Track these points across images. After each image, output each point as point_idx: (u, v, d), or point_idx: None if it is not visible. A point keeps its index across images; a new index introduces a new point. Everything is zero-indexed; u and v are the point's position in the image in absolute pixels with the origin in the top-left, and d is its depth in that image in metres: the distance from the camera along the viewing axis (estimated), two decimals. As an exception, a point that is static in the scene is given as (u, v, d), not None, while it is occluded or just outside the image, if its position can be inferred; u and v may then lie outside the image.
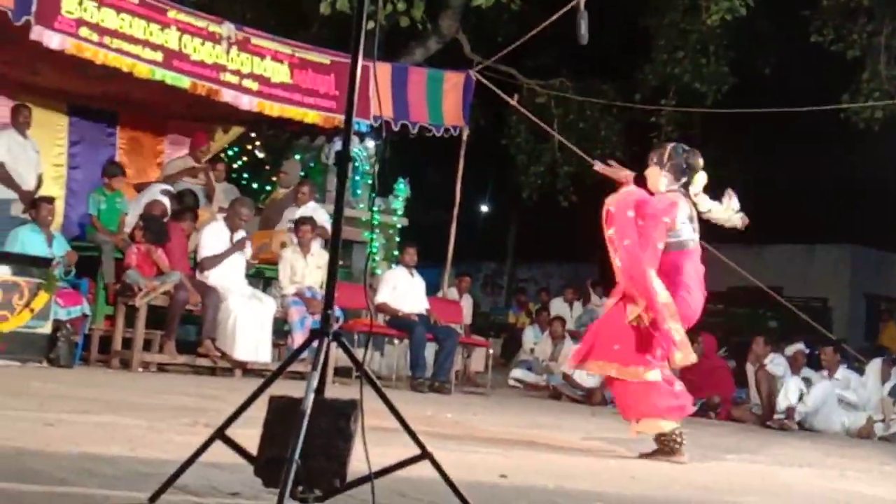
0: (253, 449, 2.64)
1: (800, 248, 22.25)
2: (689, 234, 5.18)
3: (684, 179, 5.22)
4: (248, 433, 2.68)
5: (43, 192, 8.97)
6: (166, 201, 8.97)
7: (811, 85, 13.63)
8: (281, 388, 2.72)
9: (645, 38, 14.50)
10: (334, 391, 2.99)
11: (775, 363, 10.24)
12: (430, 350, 9.84)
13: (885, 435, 9.40)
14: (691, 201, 5.24)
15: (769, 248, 21.23)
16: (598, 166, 5.29)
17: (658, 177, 5.22)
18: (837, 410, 9.80)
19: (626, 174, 5.15)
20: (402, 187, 12.56)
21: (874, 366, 10.18)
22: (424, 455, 2.66)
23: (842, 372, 10.08)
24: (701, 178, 5.25)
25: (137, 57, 8.44)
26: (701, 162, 5.29)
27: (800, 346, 10.56)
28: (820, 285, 21.61)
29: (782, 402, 9.74)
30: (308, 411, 2.39)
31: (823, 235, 21.84)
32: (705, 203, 5.27)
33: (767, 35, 14.79)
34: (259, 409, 2.66)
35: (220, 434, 2.73)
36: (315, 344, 2.75)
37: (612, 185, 5.24)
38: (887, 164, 18.35)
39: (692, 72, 13.79)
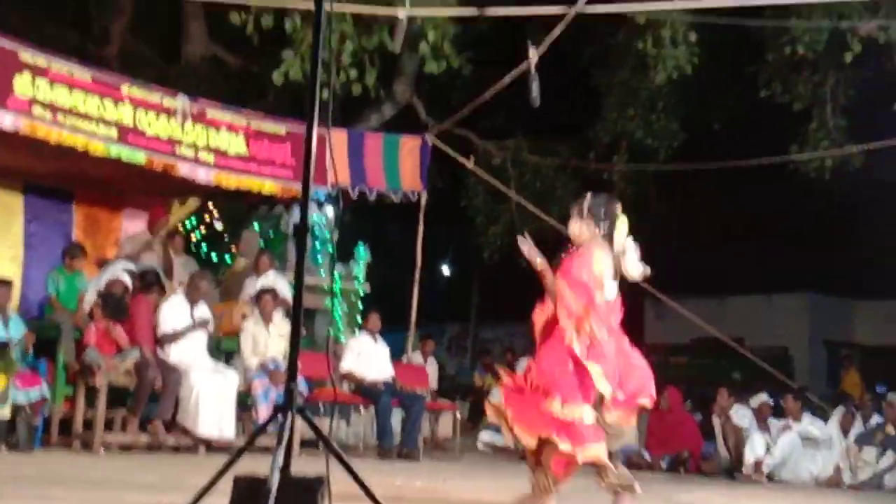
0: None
1: (759, 298, 22.46)
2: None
3: (605, 227, 5.25)
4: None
5: (-1, 272, 8.85)
6: (127, 279, 8.87)
7: (761, 137, 13.89)
8: (246, 463, 2.67)
9: (596, 97, 14.71)
10: (301, 463, 2.94)
11: (740, 414, 10.28)
12: (397, 417, 9.76)
13: (854, 483, 9.43)
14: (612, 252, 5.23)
15: (730, 299, 21.42)
16: (522, 244, 5.30)
17: (580, 226, 5.24)
18: (804, 460, 9.84)
19: (540, 260, 5.18)
20: (362, 252, 12.55)
21: (837, 413, 10.25)
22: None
23: (807, 418, 10.14)
24: (622, 225, 5.28)
25: (92, 134, 8.40)
26: (619, 208, 5.33)
27: (764, 396, 10.62)
28: (780, 334, 21.79)
29: (749, 456, 9.77)
30: (275, 489, 2.34)
31: (781, 285, 22.09)
32: (631, 253, 5.27)
33: (716, 90, 15.08)
34: (225, 486, 2.60)
35: (185, 517, 2.67)
36: (279, 419, 2.71)
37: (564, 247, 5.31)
38: (838, 212, 18.72)
39: (643, 128, 13.99)
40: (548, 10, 8.79)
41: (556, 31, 8.15)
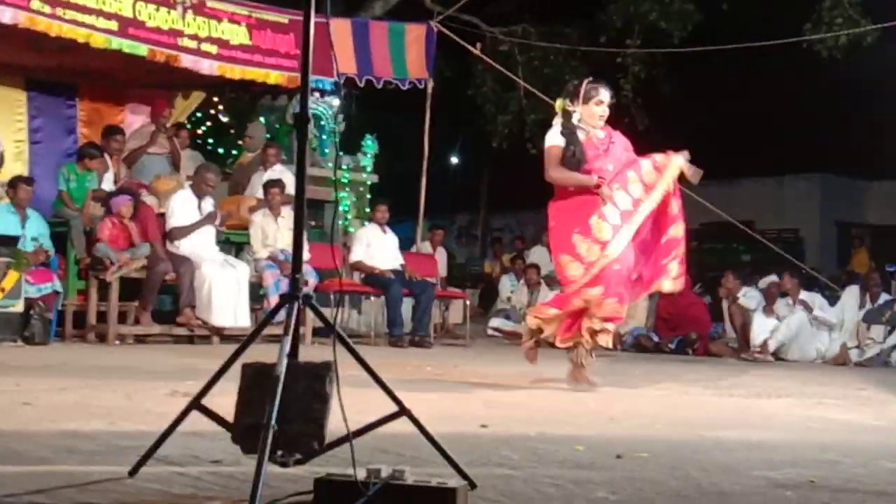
0: (232, 417, 2.63)
1: (769, 180, 22.36)
2: None
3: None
4: (228, 401, 2.67)
5: (5, 169, 8.86)
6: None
7: (774, 16, 13.60)
8: (259, 352, 2.72)
9: (608, -20, 14.42)
10: (313, 352, 2.98)
11: (748, 297, 10.35)
12: (407, 305, 9.87)
13: (861, 360, 9.54)
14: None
15: (739, 182, 21.32)
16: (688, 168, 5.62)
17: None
18: (812, 339, 9.94)
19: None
20: (370, 143, 12.50)
21: (851, 291, 10.28)
22: (402, 412, 2.67)
23: (804, 295, 10.18)
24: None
25: (92, 27, 8.31)
26: None
27: (773, 278, 10.65)
28: (791, 216, 21.78)
29: (757, 336, 9.87)
30: (282, 376, 2.38)
31: (792, 166, 21.96)
32: None
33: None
34: (237, 375, 2.65)
35: (196, 404, 2.72)
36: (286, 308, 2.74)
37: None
38: (851, 92, 18.44)
39: (657, 10, 13.69)
40: None
41: None
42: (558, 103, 5.67)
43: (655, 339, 10.57)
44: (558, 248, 5.63)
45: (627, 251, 5.51)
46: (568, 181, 5.54)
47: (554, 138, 5.58)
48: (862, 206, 23.21)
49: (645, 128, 14.40)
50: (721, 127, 19.54)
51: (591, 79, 5.72)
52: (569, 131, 5.55)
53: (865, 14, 12.67)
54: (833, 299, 10.70)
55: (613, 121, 5.81)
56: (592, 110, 5.57)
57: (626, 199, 5.52)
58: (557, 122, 5.63)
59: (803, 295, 10.14)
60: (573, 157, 5.49)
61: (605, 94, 5.60)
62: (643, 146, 6.01)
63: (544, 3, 12.23)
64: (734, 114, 19.92)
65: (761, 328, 9.94)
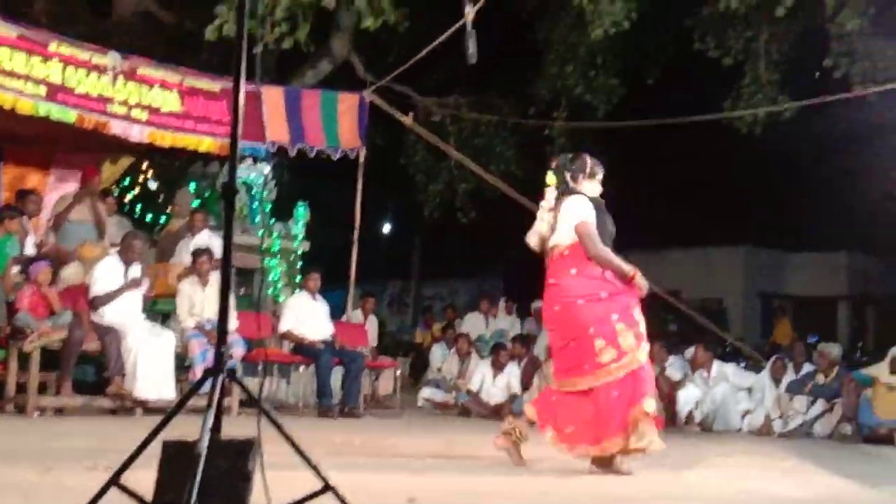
0: (151, 495, 2.57)
1: (696, 251, 22.80)
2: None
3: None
4: (149, 475, 2.61)
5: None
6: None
7: (696, 92, 14.01)
8: (184, 423, 2.66)
9: (536, 53, 14.70)
10: (239, 424, 2.93)
11: (674, 367, 10.48)
12: (337, 375, 9.78)
13: (784, 431, 9.68)
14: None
15: (666, 251, 21.70)
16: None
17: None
18: (736, 410, 10.09)
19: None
20: (301, 211, 12.46)
21: (769, 365, 10.49)
22: (327, 488, 2.63)
23: (716, 367, 10.34)
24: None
25: (20, 92, 8.23)
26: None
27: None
28: (716, 286, 22.19)
29: (683, 407, 10.00)
30: (203, 454, 2.34)
31: (718, 237, 22.46)
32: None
33: (652, 45, 15.15)
34: (158, 449, 2.59)
35: (115, 481, 2.66)
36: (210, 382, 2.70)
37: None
38: (773, 165, 19.03)
39: (583, 84, 14.02)
40: (484, -34, 8.73)
41: (492, -13, 8.09)
42: (550, 177, 5.45)
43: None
44: (595, 329, 5.14)
45: None
46: (611, 264, 5.22)
47: (588, 212, 5.26)
48: (785, 278, 23.79)
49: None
50: (648, 198, 19.96)
51: (587, 154, 5.56)
52: (596, 205, 5.32)
53: (783, 90, 13.13)
54: (757, 369, 10.89)
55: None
56: (595, 188, 5.44)
57: None
58: (552, 194, 5.42)
59: (717, 366, 10.33)
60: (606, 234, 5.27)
61: (603, 173, 5.50)
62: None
63: (476, 74, 12.43)
64: (661, 185, 20.37)
65: (687, 399, 10.08)
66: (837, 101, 10.43)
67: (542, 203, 5.45)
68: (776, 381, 10.17)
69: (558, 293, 5.27)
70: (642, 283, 5.27)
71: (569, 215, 5.26)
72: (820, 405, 9.71)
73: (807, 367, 10.16)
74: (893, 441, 8.88)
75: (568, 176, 5.41)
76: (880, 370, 9.44)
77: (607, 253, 5.22)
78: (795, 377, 10.09)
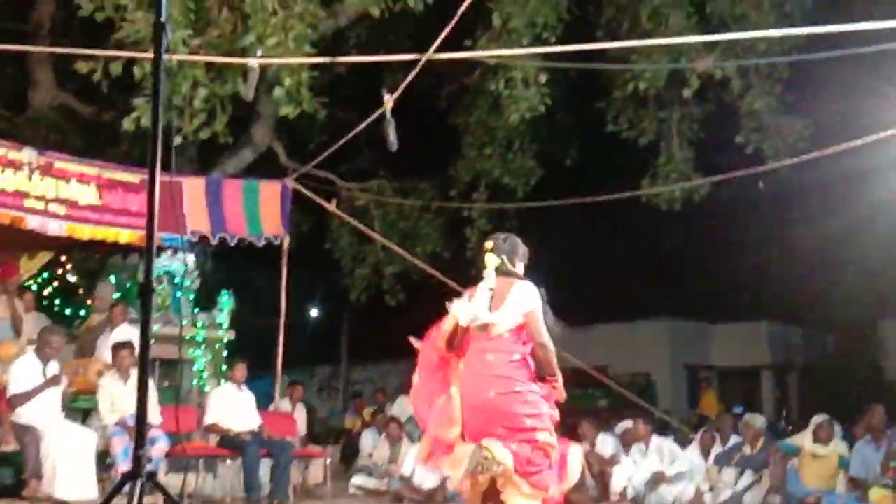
0: None
1: (622, 325, 23.03)
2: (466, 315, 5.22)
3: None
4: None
5: None
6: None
7: (613, 171, 14.37)
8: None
9: (455, 136, 14.94)
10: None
11: (605, 443, 10.51)
12: (265, 466, 9.58)
13: None
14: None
15: (593, 327, 21.91)
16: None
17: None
18: (668, 485, 10.13)
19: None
20: (226, 300, 12.33)
21: (697, 438, 10.60)
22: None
23: (655, 441, 10.42)
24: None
25: (-70, 190, 8.07)
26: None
27: (628, 423, 10.86)
28: (643, 360, 22.41)
29: (615, 483, 10.02)
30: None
31: (642, 312, 22.77)
32: None
33: (568, 128, 15.54)
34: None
35: None
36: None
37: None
38: (691, 240, 19.49)
39: (501, 166, 14.26)
40: (399, 58, 8.93)
41: (409, 78, 8.26)
42: (492, 259, 5.32)
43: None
44: (532, 422, 5.06)
45: None
46: (551, 361, 5.13)
47: (539, 302, 5.16)
48: (709, 349, 24.18)
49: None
50: (573, 275, 20.22)
51: (516, 237, 5.51)
52: (543, 297, 5.22)
53: (697, 166, 13.53)
54: (685, 442, 10.99)
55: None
56: (523, 270, 5.40)
57: None
58: (492, 274, 5.27)
59: (655, 440, 10.38)
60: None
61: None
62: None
63: (399, 159, 12.57)
64: (585, 262, 20.66)
65: (621, 475, 10.10)
66: (752, 176, 10.73)
67: (482, 284, 5.26)
68: (705, 453, 10.26)
69: (493, 377, 5.08)
70: (562, 391, 5.20)
71: (522, 299, 5.16)
72: (748, 476, 9.81)
73: (734, 439, 10.28)
74: (820, 509, 9.01)
75: (505, 258, 5.34)
76: (805, 439, 9.61)
77: (552, 346, 5.13)
78: (723, 449, 10.20)
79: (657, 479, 9.89)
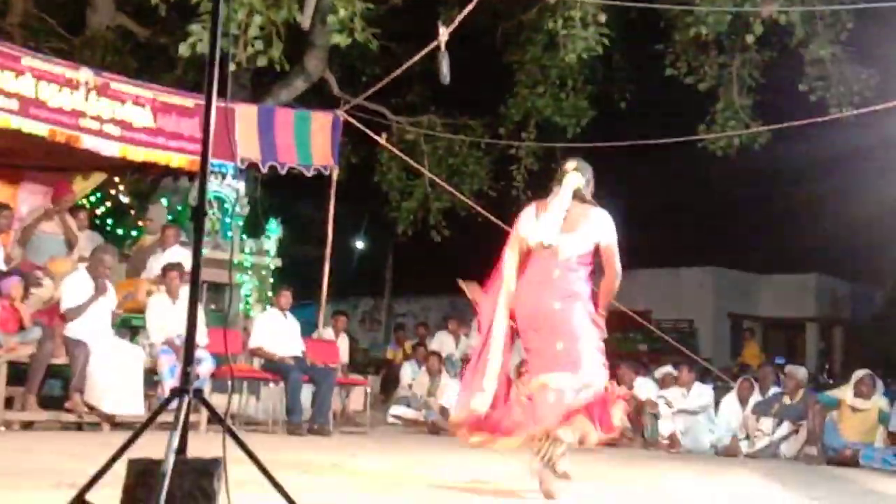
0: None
1: (666, 271, 22.94)
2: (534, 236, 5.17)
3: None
4: (115, 493, 2.62)
5: None
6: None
7: (668, 115, 14.16)
8: (151, 441, 2.68)
9: (508, 74, 14.82)
10: (208, 439, 2.94)
11: (644, 387, 10.56)
12: (307, 392, 9.77)
13: (751, 452, 9.78)
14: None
15: (638, 272, 21.79)
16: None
17: None
18: (705, 431, 10.18)
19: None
20: (273, 228, 12.47)
21: (737, 385, 10.60)
22: (291, 507, 2.66)
23: (696, 388, 10.45)
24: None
25: (-8, 106, 8.19)
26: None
27: (668, 368, 10.90)
28: (686, 307, 22.33)
29: (663, 429, 10.10)
30: (168, 473, 2.36)
31: (688, 259, 22.62)
32: None
33: (624, 70, 15.33)
34: (124, 466, 2.60)
35: (80, 499, 2.67)
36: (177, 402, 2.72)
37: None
38: (743, 189, 19.25)
39: (552, 106, 14.15)
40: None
41: (464, 12, 8.19)
42: (576, 179, 5.30)
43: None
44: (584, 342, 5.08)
45: None
46: (612, 292, 5.26)
47: (615, 232, 5.19)
48: (754, 299, 23.99)
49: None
50: (618, 219, 20.10)
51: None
52: None
53: (756, 116, 13.30)
54: (726, 389, 11.00)
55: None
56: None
57: None
58: (567, 198, 5.23)
59: (696, 387, 10.42)
60: None
61: None
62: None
63: (450, 95, 12.51)
64: (630, 207, 20.48)
65: (668, 421, 10.17)
66: (813, 126, 10.51)
67: (556, 202, 5.18)
68: (743, 401, 10.27)
69: (558, 290, 5.06)
70: (604, 328, 5.20)
71: (601, 228, 5.12)
72: (786, 426, 9.82)
73: (774, 389, 10.27)
74: (857, 463, 8.99)
75: (584, 182, 5.29)
76: (845, 393, 9.56)
77: (618, 281, 5.19)
78: (762, 398, 10.19)
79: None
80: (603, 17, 11.33)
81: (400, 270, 25.97)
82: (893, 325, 20.25)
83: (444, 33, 8.48)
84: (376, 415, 11.47)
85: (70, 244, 9.70)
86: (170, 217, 11.35)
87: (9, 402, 7.96)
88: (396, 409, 11.81)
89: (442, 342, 13.52)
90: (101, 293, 8.41)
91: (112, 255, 8.80)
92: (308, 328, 10.94)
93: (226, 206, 11.82)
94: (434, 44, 8.72)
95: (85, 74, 8.94)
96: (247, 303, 11.93)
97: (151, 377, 8.65)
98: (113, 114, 9.18)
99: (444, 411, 10.68)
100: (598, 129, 13.94)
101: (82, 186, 10.78)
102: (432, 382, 11.61)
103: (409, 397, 12.09)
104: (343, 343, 12.23)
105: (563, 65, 12.35)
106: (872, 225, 18.79)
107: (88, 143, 8.97)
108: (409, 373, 12.75)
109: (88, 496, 2.68)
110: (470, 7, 8.41)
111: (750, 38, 11.74)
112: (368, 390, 11.26)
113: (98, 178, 10.89)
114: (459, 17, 8.44)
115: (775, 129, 11.97)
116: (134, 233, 12.18)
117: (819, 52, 12.20)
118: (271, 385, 9.79)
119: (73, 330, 8.26)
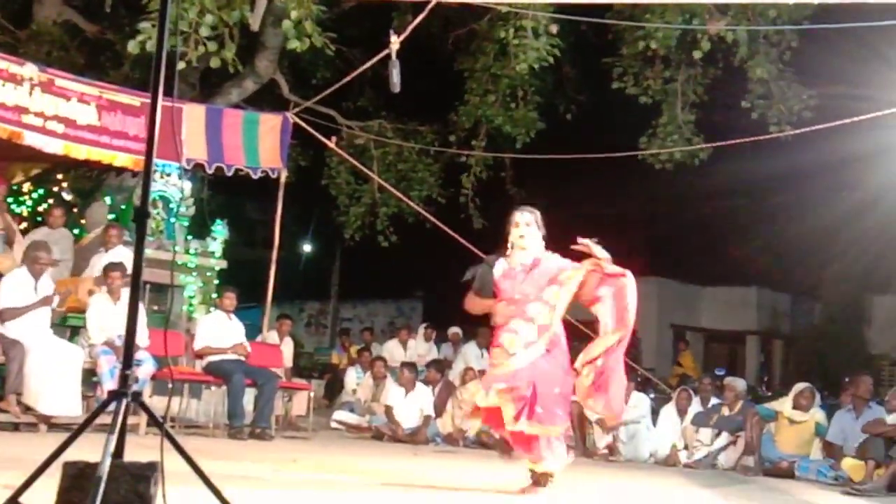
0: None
1: (611, 281, 23.01)
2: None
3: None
4: (50, 496, 2.59)
5: None
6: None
7: (615, 128, 14.32)
8: (88, 442, 2.65)
9: (460, 82, 14.87)
10: (147, 442, 2.91)
11: (587, 396, 10.63)
12: (250, 395, 9.69)
13: (689, 462, 9.91)
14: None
15: (583, 283, 21.92)
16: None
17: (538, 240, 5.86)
18: (645, 441, 10.30)
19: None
20: (219, 229, 12.36)
21: (676, 395, 10.74)
22: (228, 512, 2.65)
23: (635, 397, 10.55)
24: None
25: (-70, 99, 8.04)
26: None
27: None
28: (631, 318, 22.45)
29: (599, 438, 10.19)
30: (104, 477, 2.34)
31: (633, 269, 22.78)
32: None
33: (573, 81, 15.47)
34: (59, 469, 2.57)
35: (13, 502, 2.63)
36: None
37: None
38: (686, 203, 19.51)
39: (503, 115, 14.22)
40: (409, -2, 8.85)
41: (417, 21, 8.21)
42: (529, 230, 5.93)
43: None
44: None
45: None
46: (474, 308, 5.90)
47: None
48: (696, 311, 24.28)
49: (482, 226, 14.89)
50: (563, 230, 20.26)
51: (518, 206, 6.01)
52: (486, 263, 5.88)
53: (698, 132, 13.50)
54: (665, 400, 11.14)
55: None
56: (512, 236, 5.85)
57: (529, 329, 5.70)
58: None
59: (634, 396, 10.53)
60: (481, 288, 5.82)
61: (517, 217, 5.85)
62: (483, 244, 6.29)
63: (401, 101, 12.52)
64: (576, 217, 20.66)
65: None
66: (754, 143, 10.76)
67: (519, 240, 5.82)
68: (682, 412, 10.40)
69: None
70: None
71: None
72: (725, 437, 9.96)
73: (714, 400, 10.43)
74: (793, 474, 9.16)
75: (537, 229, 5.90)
76: (784, 405, 9.73)
77: (468, 302, 5.95)
78: (702, 409, 10.34)
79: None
80: (555, 28, 11.43)
81: (347, 275, 25.91)
82: (831, 340, 20.65)
83: (395, 42, 8.49)
84: (319, 420, 11.42)
85: (9, 241, 9.52)
86: (112, 216, 11.20)
87: (-57, 403, 7.79)
88: (340, 415, 11.78)
89: (390, 351, 13.54)
90: (46, 301, 8.23)
91: (47, 251, 8.58)
92: (252, 331, 10.86)
93: (171, 205, 11.70)
94: (385, 52, 8.72)
95: (30, 70, 8.81)
96: (190, 304, 11.81)
97: (91, 378, 8.53)
98: (57, 110, 9.06)
99: (388, 410, 10.69)
100: (547, 140, 14.04)
101: (21, 177, 10.61)
102: (377, 388, 11.60)
103: (353, 402, 12.07)
104: (287, 347, 12.16)
105: (514, 74, 12.43)
106: (812, 240, 19.19)
107: (31, 139, 8.85)
108: (354, 378, 12.74)
109: (23, 498, 2.65)
110: (422, 16, 8.43)
111: (697, 54, 11.92)
112: (312, 395, 11.21)
113: (35, 171, 10.73)
114: (412, 26, 8.46)
115: (717, 146, 12.18)
116: (76, 231, 11.99)
117: (760, 71, 12.44)
118: (213, 388, 9.69)
119: (9, 329, 8.10)
